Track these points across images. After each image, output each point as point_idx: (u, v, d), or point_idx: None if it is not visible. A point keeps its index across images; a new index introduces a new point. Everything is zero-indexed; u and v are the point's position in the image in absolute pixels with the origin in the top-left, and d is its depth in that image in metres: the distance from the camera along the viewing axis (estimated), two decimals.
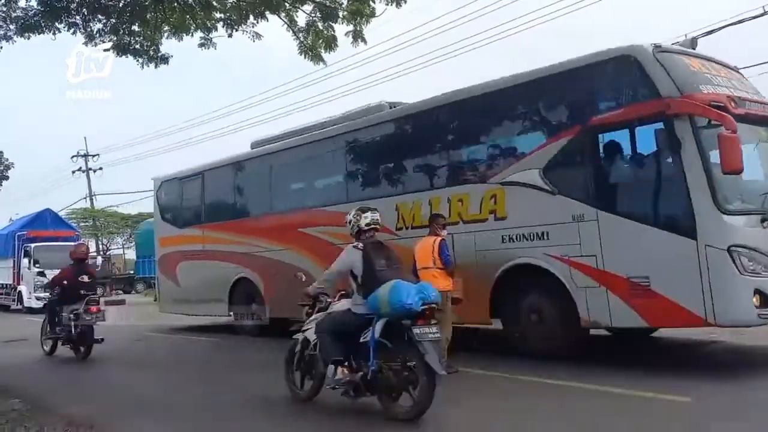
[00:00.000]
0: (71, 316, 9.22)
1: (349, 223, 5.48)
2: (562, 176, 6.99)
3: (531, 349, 7.12)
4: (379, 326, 5.00)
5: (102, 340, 9.35)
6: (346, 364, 5.19)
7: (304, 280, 6.61)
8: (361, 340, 5.11)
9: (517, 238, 7.23)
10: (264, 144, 11.40)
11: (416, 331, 4.81)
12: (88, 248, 10.24)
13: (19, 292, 21.71)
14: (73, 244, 22.72)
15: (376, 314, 5.03)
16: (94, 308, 9.19)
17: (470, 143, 8.36)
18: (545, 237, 6.98)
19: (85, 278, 9.57)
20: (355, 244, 5.40)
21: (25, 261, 21.53)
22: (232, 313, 11.49)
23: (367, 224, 5.41)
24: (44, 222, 23.39)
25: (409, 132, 8.95)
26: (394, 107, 9.24)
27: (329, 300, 5.79)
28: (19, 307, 21.61)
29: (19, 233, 22.56)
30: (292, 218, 10.29)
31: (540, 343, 7.07)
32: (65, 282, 9.63)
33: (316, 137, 10.13)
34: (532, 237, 7.09)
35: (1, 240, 23.50)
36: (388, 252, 5.36)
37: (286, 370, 5.99)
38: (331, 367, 5.21)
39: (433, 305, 5.01)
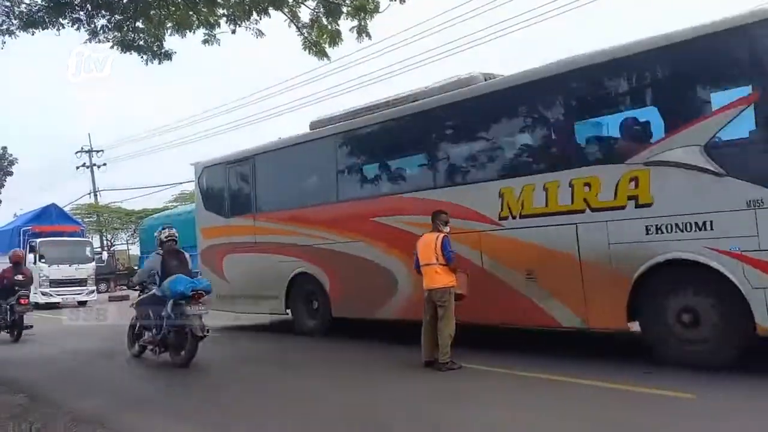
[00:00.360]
0: (8, 307, 11.41)
1: (155, 237, 8.18)
2: (733, 154, 5.73)
3: (679, 357, 5.95)
4: (169, 305, 7.59)
5: (31, 326, 11.55)
6: (153, 330, 7.94)
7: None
8: (162, 314, 7.66)
9: (666, 229, 5.95)
10: (326, 124, 9.89)
11: (187, 308, 7.42)
12: (24, 253, 12.63)
13: None
14: (73, 239, 23.37)
15: (167, 297, 7.58)
16: (23, 301, 11.39)
17: (601, 115, 6.96)
18: (707, 227, 5.71)
19: (20, 277, 11.69)
20: (157, 251, 8.09)
21: (30, 256, 20.49)
22: (288, 312, 10.27)
23: (166, 237, 8.09)
24: (50, 217, 22.81)
25: (519, 105, 7.57)
26: (489, 79, 7.94)
27: (152, 287, 8.13)
28: None
29: (24, 228, 21.86)
30: (364, 206, 8.93)
31: (692, 350, 5.90)
32: (5, 280, 11.64)
33: (395, 114, 8.67)
34: (688, 227, 5.82)
35: (7, 235, 22.52)
36: (180, 256, 8.07)
37: (127, 335, 8.68)
38: (144, 332, 8.22)
39: (201, 292, 7.53)
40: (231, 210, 11.34)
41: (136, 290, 8.61)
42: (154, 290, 7.97)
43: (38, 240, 21.17)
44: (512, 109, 7.67)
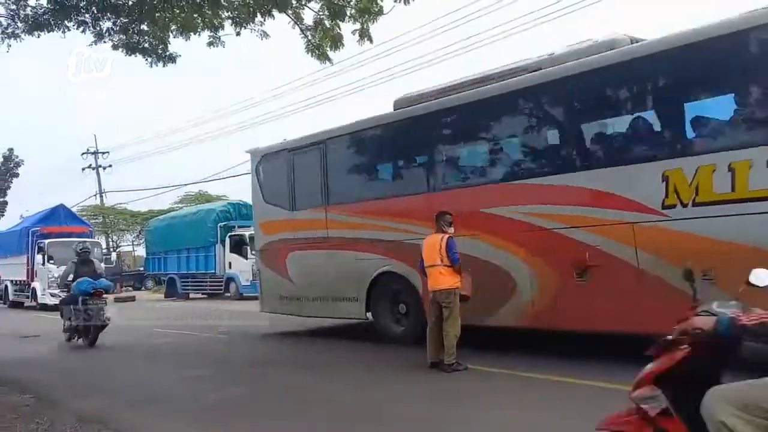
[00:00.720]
0: None
1: (73, 249, 11.18)
2: None
3: None
4: (80, 301, 10.01)
5: None
6: (70, 320, 10.26)
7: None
8: (74, 308, 10.04)
9: None
10: (415, 102, 8.48)
11: (89, 303, 9.95)
12: None
13: (33, 288, 20.95)
14: (82, 240, 23.19)
15: (76, 295, 10.09)
16: None
17: None
18: None
19: None
20: (73, 259, 10.81)
21: (38, 257, 20.76)
22: (369, 316, 9.03)
23: (80, 249, 10.82)
24: (58, 218, 22.64)
25: (691, 68, 6.02)
26: (636, 42, 6.62)
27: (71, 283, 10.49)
28: (33, 303, 20.84)
29: (32, 229, 21.70)
30: (472, 195, 7.68)
31: None
32: None
33: (517, 85, 7.24)
34: None
35: (15, 236, 22.65)
36: (90, 264, 10.65)
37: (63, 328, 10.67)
38: (65, 322, 10.48)
39: (101, 290, 10.16)
40: (297, 202, 9.96)
41: (61, 290, 11.47)
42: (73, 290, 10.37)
43: (47, 241, 20.92)
44: (682, 72, 6.12)
